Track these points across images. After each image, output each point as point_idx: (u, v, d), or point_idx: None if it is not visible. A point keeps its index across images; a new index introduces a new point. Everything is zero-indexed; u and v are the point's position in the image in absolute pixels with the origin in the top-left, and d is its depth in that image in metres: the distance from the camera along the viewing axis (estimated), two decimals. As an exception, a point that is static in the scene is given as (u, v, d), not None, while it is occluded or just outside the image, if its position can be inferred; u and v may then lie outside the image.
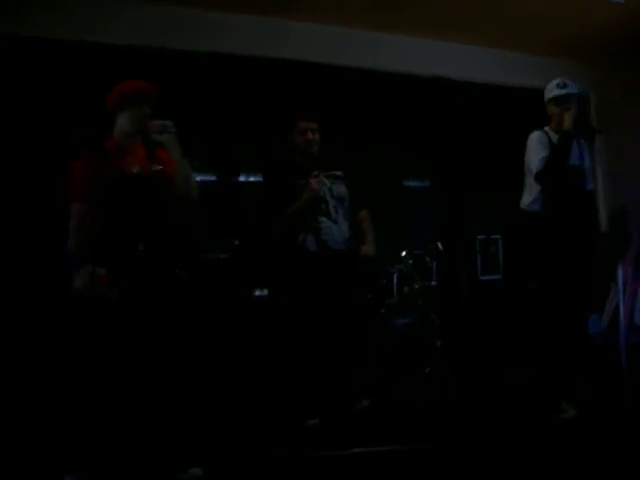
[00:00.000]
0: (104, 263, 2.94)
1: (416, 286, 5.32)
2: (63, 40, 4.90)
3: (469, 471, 3.10)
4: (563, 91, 3.95)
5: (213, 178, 5.54)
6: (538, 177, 3.91)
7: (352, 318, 4.00)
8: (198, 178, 5.33)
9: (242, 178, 5.63)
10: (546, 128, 4.08)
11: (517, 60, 6.96)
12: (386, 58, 6.25)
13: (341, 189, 4.12)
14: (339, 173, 4.15)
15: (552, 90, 4.02)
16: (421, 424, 3.94)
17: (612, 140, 6.91)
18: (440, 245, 5.46)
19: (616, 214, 4.09)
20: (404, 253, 5.36)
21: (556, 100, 3.98)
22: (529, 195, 4.06)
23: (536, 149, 3.97)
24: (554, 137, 3.99)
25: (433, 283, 5.43)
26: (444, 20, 5.99)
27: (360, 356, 4.24)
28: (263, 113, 5.68)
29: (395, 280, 5.30)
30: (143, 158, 3.17)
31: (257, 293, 5.31)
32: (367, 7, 5.63)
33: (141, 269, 2.99)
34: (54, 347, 3.92)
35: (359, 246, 4.19)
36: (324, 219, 3.97)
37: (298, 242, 3.93)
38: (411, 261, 5.34)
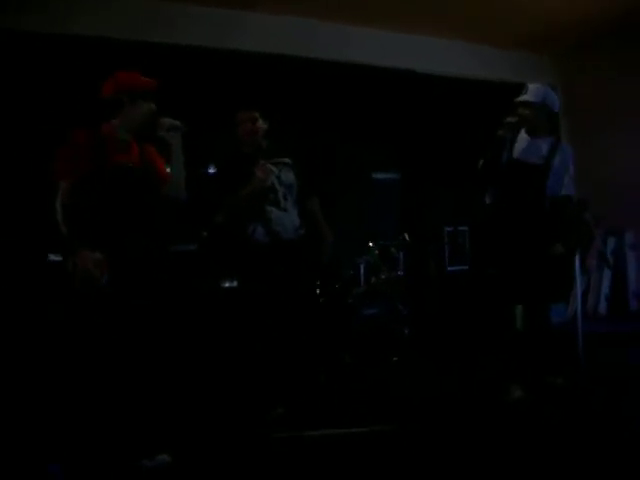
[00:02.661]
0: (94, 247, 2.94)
1: (383, 276, 5.40)
2: (44, 33, 4.87)
3: (432, 453, 3.20)
4: (521, 97, 4.05)
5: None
6: (476, 175, 4.13)
7: (305, 307, 4.13)
8: (167, 170, 5.43)
9: (211, 170, 5.64)
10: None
11: (486, 54, 7.04)
12: (355, 50, 6.27)
13: (289, 176, 4.11)
14: (287, 160, 4.15)
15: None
16: (387, 409, 4.01)
17: (579, 134, 7.05)
18: (407, 236, 5.54)
19: (575, 206, 4.17)
20: (371, 244, 5.43)
21: (518, 104, 4.07)
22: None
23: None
24: (522, 135, 4.08)
25: (400, 273, 5.50)
26: (413, 13, 6.02)
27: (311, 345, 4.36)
28: (231, 105, 5.69)
29: (362, 271, 5.37)
30: (137, 152, 3.20)
31: (227, 284, 5.37)
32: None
33: (131, 258, 3.05)
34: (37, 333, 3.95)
35: (317, 244, 4.26)
36: (273, 208, 3.98)
37: (248, 233, 3.95)
38: (377, 252, 5.41)
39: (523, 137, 4.07)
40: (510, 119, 3.99)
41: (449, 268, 6.65)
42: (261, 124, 4.05)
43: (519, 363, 4.03)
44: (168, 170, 3.34)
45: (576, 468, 2.94)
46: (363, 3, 5.75)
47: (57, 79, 4.83)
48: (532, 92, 4.02)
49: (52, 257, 4.29)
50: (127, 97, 3.14)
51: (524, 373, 4.02)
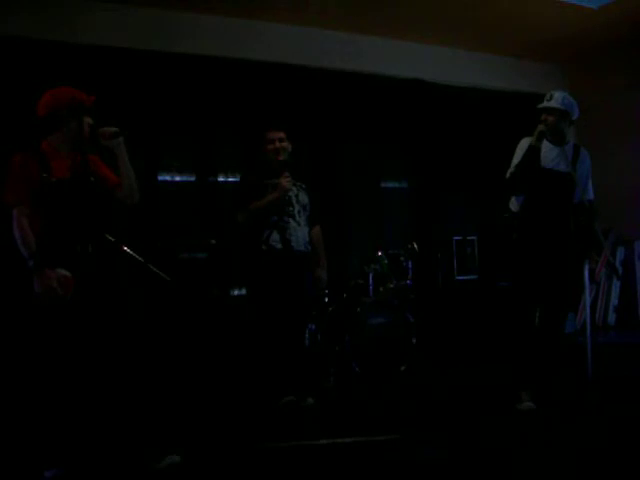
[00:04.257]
0: (57, 264, 3.00)
1: (391, 285, 5.40)
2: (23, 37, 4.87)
3: (439, 460, 3.20)
4: (545, 104, 4.07)
5: (192, 178, 5.58)
6: (504, 183, 4.11)
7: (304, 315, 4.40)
8: (177, 178, 5.48)
9: (221, 178, 5.68)
10: None
11: (495, 63, 7.07)
12: (365, 60, 6.32)
13: (304, 197, 4.50)
14: (303, 185, 4.52)
15: (544, 101, 4.13)
16: (397, 418, 4.02)
17: (587, 143, 7.03)
18: (416, 245, 5.54)
19: (583, 213, 4.19)
20: (380, 253, 5.44)
21: (542, 110, 4.10)
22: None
23: (516, 155, 4.14)
24: (544, 143, 4.08)
25: (408, 282, 5.50)
26: (422, 22, 6.07)
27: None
28: (242, 114, 5.73)
29: (371, 280, 5.38)
30: (78, 163, 3.22)
31: (235, 292, 5.40)
32: (346, 9, 5.70)
33: (92, 270, 3.11)
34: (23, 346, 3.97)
35: (314, 267, 4.58)
36: (290, 219, 4.35)
37: (263, 237, 4.27)
38: (386, 261, 5.41)
39: (547, 145, 4.09)
40: (541, 127, 4.00)
41: (457, 277, 6.66)
42: (286, 145, 4.40)
43: (530, 371, 4.04)
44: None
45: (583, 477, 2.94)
46: (373, 13, 5.80)
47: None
48: (558, 99, 4.05)
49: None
50: (66, 112, 3.15)
51: (535, 381, 4.04)
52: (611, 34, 6.30)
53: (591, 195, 4.28)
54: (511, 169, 4.09)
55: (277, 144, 4.37)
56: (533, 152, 4.00)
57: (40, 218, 3.04)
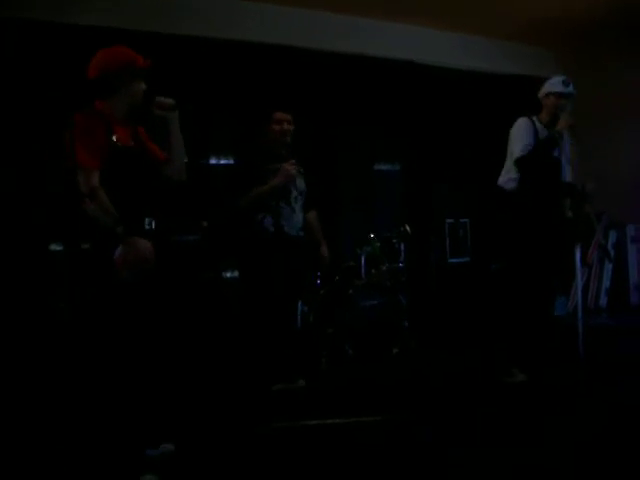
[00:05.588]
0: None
1: (384, 268, 5.40)
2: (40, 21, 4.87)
3: (430, 442, 3.21)
4: (567, 89, 4.15)
5: (184, 160, 5.54)
6: (518, 162, 4.12)
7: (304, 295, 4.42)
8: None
9: (213, 161, 5.66)
10: (534, 117, 4.23)
11: (488, 46, 7.03)
12: (358, 42, 6.27)
13: (302, 183, 4.45)
14: (301, 170, 4.43)
15: (557, 85, 4.19)
16: (387, 400, 4.02)
17: (580, 128, 7.03)
18: (408, 228, 5.54)
19: (576, 199, 4.21)
20: (372, 235, 5.43)
21: (559, 95, 4.15)
22: (507, 174, 4.24)
23: (521, 135, 4.15)
24: (540, 127, 4.17)
25: (401, 265, 5.50)
26: (414, 5, 6.01)
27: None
28: (234, 96, 5.70)
29: (363, 262, 5.38)
30: (131, 133, 3.00)
31: (228, 274, 5.39)
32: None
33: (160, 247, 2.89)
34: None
35: (317, 247, 4.62)
36: (284, 205, 4.28)
37: (257, 220, 4.21)
38: (379, 243, 5.41)
39: (540, 127, 4.17)
40: (568, 115, 4.08)
41: (450, 260, 6.67)
42: (291, 127, 4.35)
43: (523, 348, 4.11)
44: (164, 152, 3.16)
45: (575, 458, 2.95)
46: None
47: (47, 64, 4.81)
48: (570, 85, 4.15)
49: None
50: (123, 74, 2.89)
51: (526, 358, 4.10)
52: (604, 16, 6.25)
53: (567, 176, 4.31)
54: (525, 148, 4.09)
55: (285, 126, 4.31)
56: (556, 139, 4.07)
57: (107, 188, 2.75)
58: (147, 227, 2.92)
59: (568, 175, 4.25)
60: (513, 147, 4.19)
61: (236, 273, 5.33)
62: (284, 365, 4.24)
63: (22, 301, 4.46)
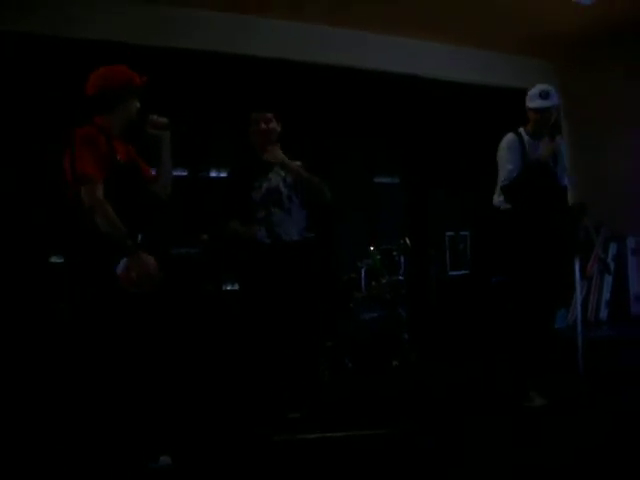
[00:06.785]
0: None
1: (383, 281, 5.40)
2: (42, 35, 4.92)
3: (431, 456, 3.21)
4: (545, 103, 3.99)
5: (184, 173, 5.57)
6: (502, 190, 4.03)
7: (304, 309, 4.00)
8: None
9: (213, 173, 5.68)
10: (520, 129, 4.13)
11: (489, 59, 7.10)
12: (359, 56, 6.31)
13: (288, 177, 3.99)
14: (297, 163, 4.00)
15: (534, 99, 4.04)
16: (388, 413, 3.99)
17: (580, 139, 7.06)
18: (408, 240, 5.54)
19: (574, 211, 4.19)
20: (372, 248, 5.44)
21: (536, 111, 4.03)
22: (499, 197, 4.13)
23: (505, 158, 4.04)
24: (527, 140, 4.06)
25: (400, 278, 5.50)
26: (417, 19, 6.07)
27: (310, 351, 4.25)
28: (236, 109, 5.72)
29: (363, 275, 5.39)
30: (124, 150, 3.05)
31: (228, 287, 5.38)
32: (341, 5, 5.70)
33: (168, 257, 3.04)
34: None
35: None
36: (277, 210, 3.93)
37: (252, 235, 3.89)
38: (379, 256, 5.42)
39: (529, 141, 4.06)
40: (550, 147, 3.95)
41: (450, 273, 6.67)
42: (274, 126, 3.99)
43: (535, 368, 4.01)
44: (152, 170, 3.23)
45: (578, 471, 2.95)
46: (369, 10, 5.80)
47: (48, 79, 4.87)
48: (553, 95, 4.01)
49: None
50: (120, 92, 2.97)
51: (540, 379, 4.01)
52: (604, 30, 6.30)
53: (566, 181, 4.26)
54: (508, 175, 3.99)
55: (262, 125, 3.95)
56: (541, 167, 3.95)
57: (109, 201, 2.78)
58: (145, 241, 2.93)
59: (565, 180, 4.19)
60: (499, 169, 4.09)
61: (236, 286, 5.34)
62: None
63: (24, 309, 4.47)
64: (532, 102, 4.04)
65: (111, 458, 2.92)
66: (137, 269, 2.74)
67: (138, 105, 3.06)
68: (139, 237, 2.91)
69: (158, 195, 3.17)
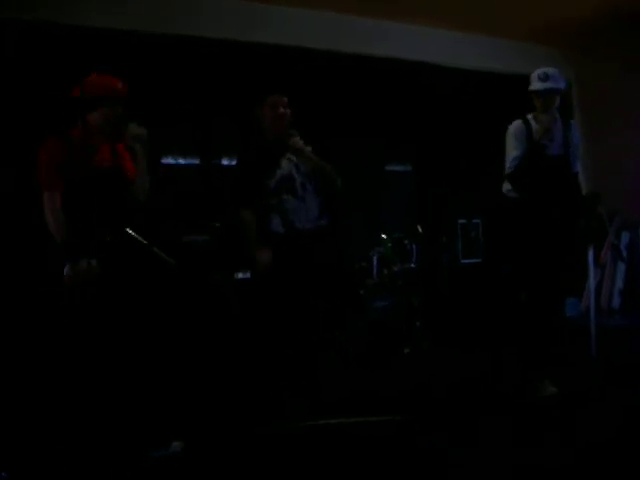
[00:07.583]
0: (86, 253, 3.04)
1: (395, 269, 5.39)
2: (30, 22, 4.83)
3: (441, 444, 3.21)
4: (545, 85, 3.96)
5: (196, 161, 5.57)
6: (507, 178, 4.03)
7: (321, 297, 3.97)
8: (181, 161, 5.47)
9: (225, 161, 5.67)
10: (529, 116, 4.10)
11: (499, 46, 7.02)
12: (368, 43, 6.27)
13: (303, 166, 3.96)
14: (308, 148, 3.95)
15: (534, 82, 4.02)
16: (399, 401, 3.98)
17: (593, 127, 7.00)
18: (420, 228, 5.53)
19: (587, 200, 4.16)
20: (384, 236, 5.43)
21: (536, 94, 4.00)
22: (506, 185, 4.14)
23: (511, 145, 4.05)
24: (534, 125, 4.03)
25: (412, 266, 5.49)
26: (426, 5, 6.01)
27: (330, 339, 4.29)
28: (247, 97, 5.70)
29: (375, 262, 5.38)
30: (108, 153, 3.27)
31: (240, 276, 5.38)
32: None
33: (109, 259, 3.13)
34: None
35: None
36: (290, 197, 3.89)
37: (266, 222, 3.89)
38: (390, 244, 5.41)
39: (535, 126, 4.02)
40: (547, 124, 3.92)
41: (462, 261, 6.64)
42: (289, 111, 3.97)
43: (546, 357, 4.00)
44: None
45: (589, 462, 2.94)
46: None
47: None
48: (557, 77, 3.96)
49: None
50: (106, 99, 3.18)
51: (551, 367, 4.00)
52: (613, 15, 6.23)
53: (578, 167, 4.22)
54: (512, 162, 3.99)
55: (281, 110, 3.91)
56: (539, 149, 3.93)
57: (73, 205, 3.10)
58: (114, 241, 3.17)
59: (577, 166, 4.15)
60: (506, 157, 4.09)
61: (248, 274, 5.32)
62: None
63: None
64: (532, 85, 4.03)
65: (112, 446, 2.99)
66: (68, 274, 3.01)
67: (120, 112, 3.23)
68: (107, 238, 3.14)
69: (135, 197, 3.35)
